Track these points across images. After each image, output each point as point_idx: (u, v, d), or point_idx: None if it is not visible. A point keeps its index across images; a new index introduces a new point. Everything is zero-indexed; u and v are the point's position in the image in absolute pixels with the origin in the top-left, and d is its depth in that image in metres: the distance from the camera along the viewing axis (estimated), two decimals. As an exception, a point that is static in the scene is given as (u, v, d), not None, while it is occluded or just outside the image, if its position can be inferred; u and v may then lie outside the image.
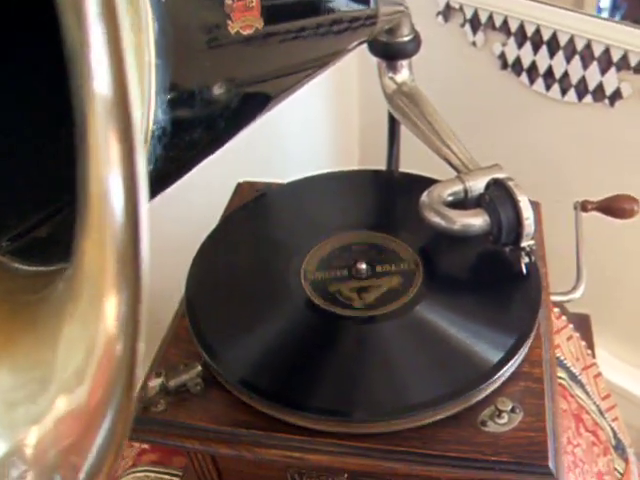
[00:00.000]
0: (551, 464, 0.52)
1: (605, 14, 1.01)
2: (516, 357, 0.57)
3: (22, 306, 0.35)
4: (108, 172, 0.23)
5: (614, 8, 1.02)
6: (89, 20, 0.21)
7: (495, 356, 0.56)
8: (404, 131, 0.81)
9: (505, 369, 0.56)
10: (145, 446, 0.83)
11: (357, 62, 1.30)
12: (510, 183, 0.61)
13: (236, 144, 1.10)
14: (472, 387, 0.54)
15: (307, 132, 1.32)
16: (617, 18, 1.01)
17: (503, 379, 0.56)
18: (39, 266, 0.39)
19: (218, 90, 0.42)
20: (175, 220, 1.00)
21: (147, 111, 0.33)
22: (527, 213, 0.59)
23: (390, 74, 0.78)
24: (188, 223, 0.91)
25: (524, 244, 0.61)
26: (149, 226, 0.23)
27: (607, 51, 0.99)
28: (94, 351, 0.23)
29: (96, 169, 0.24)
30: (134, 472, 0.81)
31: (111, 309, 0.23)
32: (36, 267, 0.39)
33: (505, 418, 0.54)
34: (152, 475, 0.79)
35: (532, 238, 0.61)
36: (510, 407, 0.54)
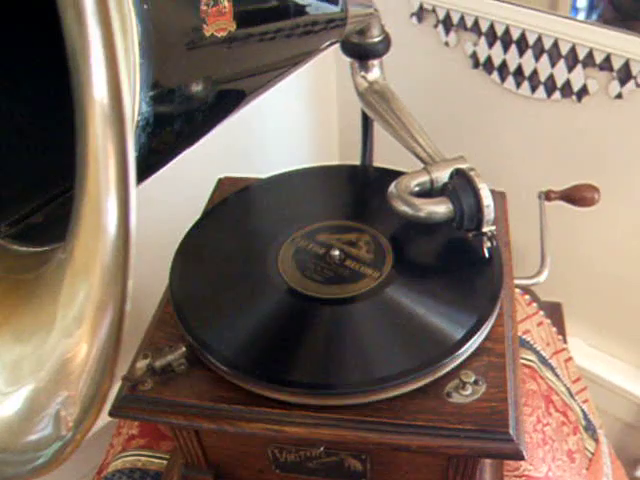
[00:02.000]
0: (512, 431, 0.56)
1: (582, 14, 1.05)
2: (478, 334, 0.61)
3: (20, 283, 0.39)
4: (105, 163, 0.27)
5: (591, 8, 1.06)
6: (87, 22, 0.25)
7: (458, 333, 0.60)
8: (378, 128, 0.85)
9: (467, 345, 0.60)
10: (133, 431, 0.87)
11: (334, 60, 1.34)
12: (472, 173, 0.65)
13: (217, 141, 1.14)
14: (437, 361, 0.59)
15: (287, 130, 1.36)
16: (594, 18, 1.05)
17: (466, 355, 0.60)
18: (35, 247, 0.43)
19: (196, 87, 0.46)
20: (158, 215, 1.03)
21: (132, 104, 0.37)
22: (487, 201, 0.63)
23: (362, 73, 0.82)
24: (171, 218, 0.95)
25: (485, 229, 0.65)
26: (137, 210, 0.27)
27: (573, 49, 1.03)
28: (90, 297, 0.27)
29: (94, 161, 0.28)
30: (124, 456, 0.84)
31: (105, 258, 0.27)
32: (33, 248, 0.43)
33: (469, 390, 0.58)
34: (143, 459, 0.83)
35: (493, 224, 0.65)
36: (473, 379, 0.58)
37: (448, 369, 0.59)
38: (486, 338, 0.63)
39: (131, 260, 0.28)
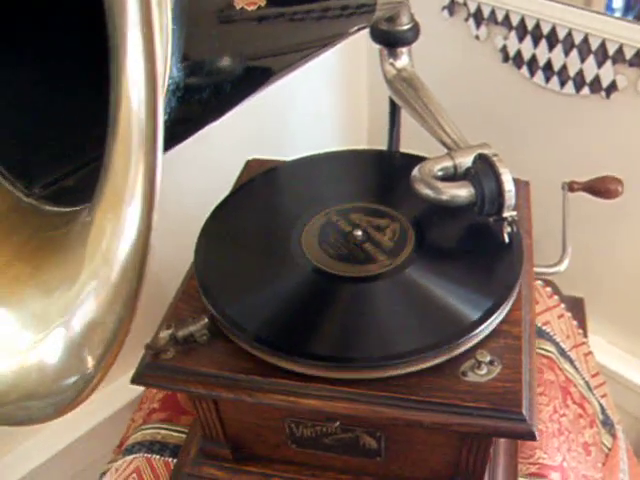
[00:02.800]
0: (524, 411, 0.57)
1: (618, 14, 1.05)
2: (494, 316, 0.62)
3: (49, 240, 0.41)
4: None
5: (627, 9, 1.06)
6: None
7: (475, 314, 0.61)
8: (405, 115, 0.86)
9: (484, 326, 0.61)
10: (155, 405, 0.89)
11: (365, 46, 1.35)
12: (494, 158, 0.66)
13: (247, 125, 1.15)
14: (453, 340, 0.59)
15: (316, 114, 1.37)
16: (630, 17, 1.05)
17: (482, 335, 0.61)
18: (66, 207, 0.45)
19: (224, 60, 0.47)
20: (187, 197, 1.05)
21: (164, 67, 0.39)
22: (508, 185, 0.64)
23: (391, 60, 0.83)
24: (200, 199, 0.97)
25: (506, 214, 0.66)
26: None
27: (603, 45, 1.03)
28: (116, 232, 0.29)
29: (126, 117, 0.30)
30: (144, 429, 0.86)
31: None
32: (64, 208, 0.45)
33: (484, 369, 0.59)
34: (162, 432, 0.85)
35: (514, 209, 0.66)
36: (488, 359, 0.59)
37: (464, 348, 0.60)
38: (503, 321, 0.63)
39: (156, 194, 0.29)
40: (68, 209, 0.44)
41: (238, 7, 0.43)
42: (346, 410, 0.59)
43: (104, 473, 0.89)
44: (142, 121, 0.28)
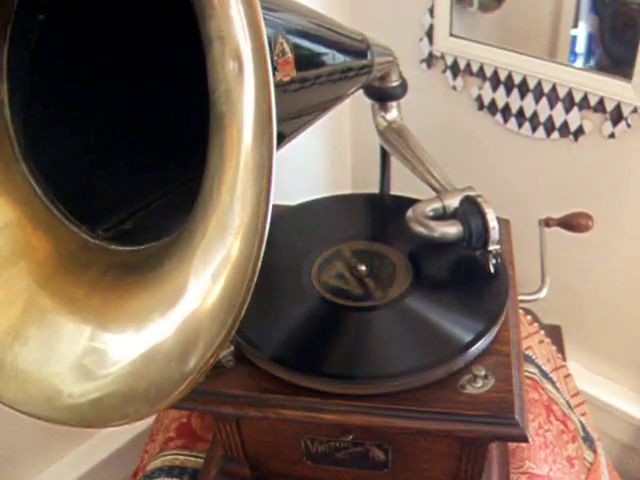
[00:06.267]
0: (517, 416, 0.65)
1: (580, 59, 1.16)
2: (486, 336, 0.71)
3: (126, 274, 0.49)
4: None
5: (588, 54, 1.16)
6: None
7: (469, 335, 0.70)
8: (393, 161, 0.96)
9: (477, 345, 0.70)
10: (171, 434, 0.96)
11: (349, 107, 1.45)
12: (479, 199, 0.75)
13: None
14: (452, 357, 0.68)
15: (305, 165, 1.46)
16: (592, 63, 1.15)
17: (476, 353, 0.70)
18: (132, 246, 0.53)
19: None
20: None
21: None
22: (493, 223, 0.74)
23: (382, 114, 0.93)
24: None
25: (491, 248, 0.75)
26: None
27: (570, 93, 1.13)
28: (227, 259, 0.37)
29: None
30: (163, 456, 0.93)
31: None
32: (128, 247, 0.53)
33: (480, 382, 0.68)
34: (181, 457, 0.91)
35: (498, 243, 0.75)
36: (483, 373, 0.68)
37: (461, 365, 0.69)
38: (494, 340, 0.72)
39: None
40: (135, 247, 0.52)
41: (277, 79, 0.51)
42: (361, 422, 0.67)
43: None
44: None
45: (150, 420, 1.11)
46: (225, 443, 0.78)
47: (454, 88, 1.28)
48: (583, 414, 1.09)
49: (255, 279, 0.38)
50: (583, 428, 1.07)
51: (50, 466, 1.23)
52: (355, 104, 1.42)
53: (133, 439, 1.28)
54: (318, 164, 1.51)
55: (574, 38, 1.14)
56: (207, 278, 0.40)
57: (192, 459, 0.91)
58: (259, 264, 0.38)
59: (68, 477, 1.23)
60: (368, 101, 0.92)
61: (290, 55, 0.50)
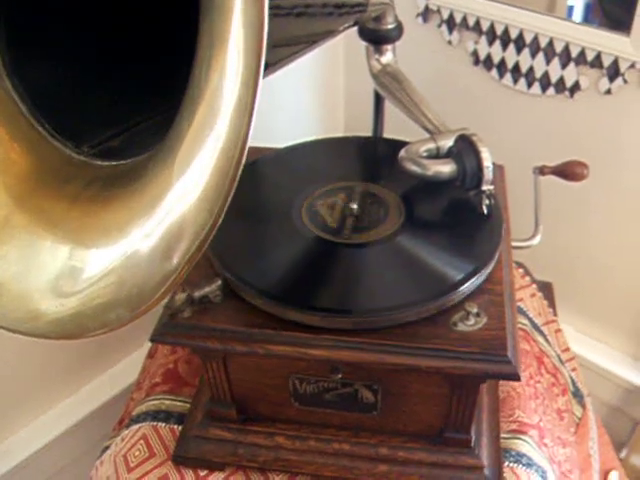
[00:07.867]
0: (509, 354, 0.64)
1: (579, 15, 1.14)
2: (479, 274, 0.69)
3: (106, 186, 0.47)
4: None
5: (587, 15, 1.15)
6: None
7: (462, 273, 0.69)
8: (387, 105, 0.94)
9: (469, 283, 0.68)
10: (157, 379, 0.94)
11: (343, 48, 1.43)
12: (474, 137, 0.74)
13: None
14: (443, 294, 0.67)
15: (297, 109, 1.45)
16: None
17: (469, 291, 0.69)
18: (116, 161, 0.51)
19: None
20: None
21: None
22: (487, 162, 0.72)
23: (376, 56, 0.91)
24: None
25: (485, 188, 0.74)
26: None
27: (567, 48, 1.12)
28: (215, 143, 0.35)
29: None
30: (148, 401, 0.92)
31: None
32: (113, 162, 0.51)
33: (472, 320, 0.66)
34: (166, 402, 0.90)
35: (491, 183, 0.74)
36: (476, 311, 0.66)
37: (453, 302, 0.68)
38: (486, 280, 0.71)
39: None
40: (119, 162, 0.50)
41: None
42: (350, 358, 0.65)
43: (107, 447, 0.94)
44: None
45: (137, 372, 1.10)
46: (212, 384, 0.76)
47: (450, 43, 1.26)
48: (573, 369, 1.08)
49: (243, 162, 0.37)
50: (573, 383, 1.06)
51: (37, 418, 1.22)
52: (349, 46, 1.40)
53: (121, 392, 1.27)
54: (311, 108, 1.50)
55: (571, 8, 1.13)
56: (192, 169, 0.38)
57: (178, 404, 0.90)
58: (247, 147, 0.37)
59: (55, 429, 1.22)
60: (363, 43, 0.90)
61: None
